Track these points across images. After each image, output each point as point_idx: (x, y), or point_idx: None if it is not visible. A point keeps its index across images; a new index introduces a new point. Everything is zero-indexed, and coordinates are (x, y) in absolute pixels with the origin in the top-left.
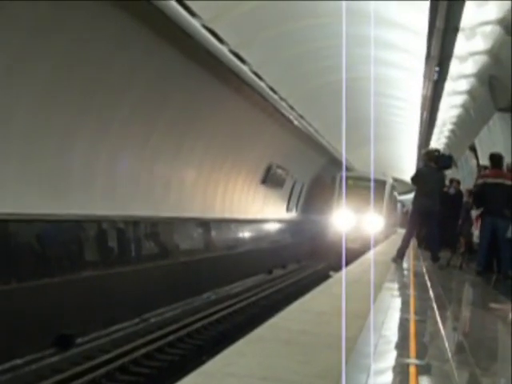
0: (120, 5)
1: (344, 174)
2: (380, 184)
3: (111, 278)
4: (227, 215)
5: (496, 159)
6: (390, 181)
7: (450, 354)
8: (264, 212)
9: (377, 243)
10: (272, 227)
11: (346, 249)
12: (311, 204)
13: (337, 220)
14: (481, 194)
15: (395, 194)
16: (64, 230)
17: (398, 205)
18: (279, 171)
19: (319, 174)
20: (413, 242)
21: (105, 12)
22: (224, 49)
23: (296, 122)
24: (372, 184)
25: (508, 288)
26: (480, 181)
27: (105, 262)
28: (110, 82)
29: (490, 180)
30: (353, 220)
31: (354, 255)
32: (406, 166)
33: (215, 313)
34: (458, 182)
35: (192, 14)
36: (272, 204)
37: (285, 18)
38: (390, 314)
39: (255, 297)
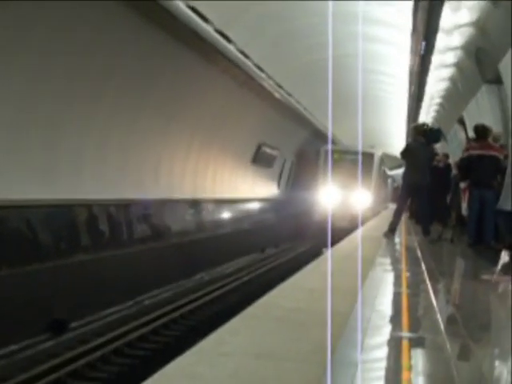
0: None
1: (329, 147)
2: (368, 157)
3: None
4: (210, 195)
5: (480, 130)
6: (378, 154)
7: (442, 327)
8: (249, 191)
9: (366, 220)
10: (254, 207)
11: (334, 227)
12: (297, 181)
13: (322, 197)
14: (466, 167)
15: (385, 167)
16: (54, 214)
17: (389, 180)
18: (268, 150)
19: (304, 148)
20: (405, 217)
21: None
22: (209, 28)
23: (281, 98)
24: (359, 157)
25: (491, 258)
26: (465, 153)
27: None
28: (94, 68)
29: (475, 152)
30: (340, 197)
31: (342, 234)
32: (396, 141)
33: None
34: (447, 156)
35: None
36: (259, 182)
37: None
38: (382, 289)
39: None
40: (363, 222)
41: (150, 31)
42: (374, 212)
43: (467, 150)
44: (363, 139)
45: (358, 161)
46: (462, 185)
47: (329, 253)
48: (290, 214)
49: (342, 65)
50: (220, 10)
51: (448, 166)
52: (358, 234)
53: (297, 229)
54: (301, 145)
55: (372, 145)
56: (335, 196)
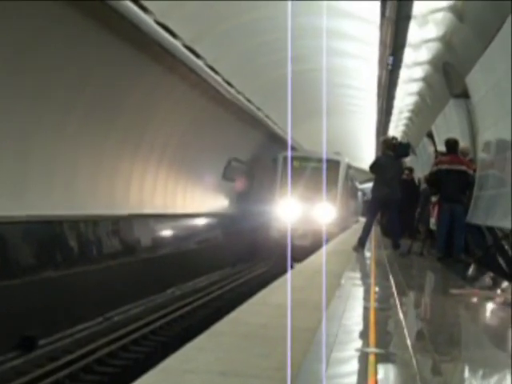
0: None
1: (289, 153)
2: (333, 165)
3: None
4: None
5: (451, 144)
6: (345, 161)
7: (409, 342)
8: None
9: (331, 238)
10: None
11: (294, 247)
12: (250, 193)
13: (280, 212)
14: (436, 181)
15: (352, 177)
16: (23, 231)
17: (358, 191)
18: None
19: (259, 155)
20: (374, 231)
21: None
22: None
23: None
24: (323, 165)
25: (460, 272)
26: (434, 168)
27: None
28: (65, 81)
29: (444, 166)
30: (300, 210)
31: (303, 254)
32: (365, 154)
33: None
34: (411, 170)
35: (144, 9)
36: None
37: (238, 11)
38: (350, 303)
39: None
40: (328, 240)
41: (119, 47)
42: (341, 228)
43: (436, 164)
44: (332, 151)
45: (321, 169)
46: (433, 199)
47: (288, 275)
48: (242, 230)
49: (310, 79)
50: (189, 25)
51: (412, 180)
52: (323, 251)
53: (251, 248)
54: (255, 150)
55: (337, 151)
56: (295, 210)
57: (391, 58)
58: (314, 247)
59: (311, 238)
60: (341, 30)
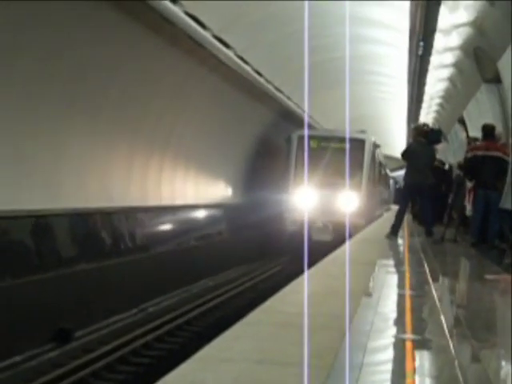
0: None
1: (306, 132)
2: (357, 145)
3: None
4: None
5: (488, 130)
6: (371, 140)
7: (446, 328)
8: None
9: (357, 231)
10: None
11: (313, 242)
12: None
13: (295, 201)
14: (471, 167)
15: (381, 159)
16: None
17: (388, 175)
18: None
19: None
20: (407, 218)
21: None
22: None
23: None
24: (346, 145)
25: (494, 257)
26: (470, 154)
27: None
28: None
29: (480, 153)
30: (319, 200)
31: (323, 250)
32: (397, 142)
33: None
34: (443, 163)
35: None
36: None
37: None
38: (385, 291)
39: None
40: (353, 234)
41: (149, 38)
42: (368, 218)
43: (472, 150)
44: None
45: (343, 150)
46: (469, 185)
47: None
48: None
49: (339, 67)
50: (218, 15)
51: (445, 166)
52: (346, 248)
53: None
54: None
55: (362, 130)
56: (313, 198)
57: (421, 44)
58: (336, 243)
59: (332, 232)
60: (370, 16)
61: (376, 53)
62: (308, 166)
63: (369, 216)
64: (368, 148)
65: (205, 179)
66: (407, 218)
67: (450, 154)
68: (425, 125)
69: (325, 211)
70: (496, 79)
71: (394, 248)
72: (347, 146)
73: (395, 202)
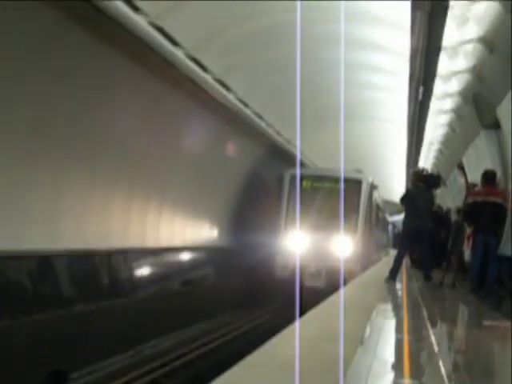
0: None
1: (298, 171)
2: (353, 185)
3: None
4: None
5: (489, 176)
6: (368, 180)
7: (444, 374)
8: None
9: (351, 277)
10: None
11: (304, 289)
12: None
13: (287, 244)
14: (471, 213)
15: (379, 201)
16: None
17: (386, 218)
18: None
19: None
20: (406, 262)
21: None
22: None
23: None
24: (341, 186)
25: (493, 303)
26: (470, 199)
27: None
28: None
29: (480, 198)
30: (311, 244)
31: (315, 298)
32: (396, 186)
33: None
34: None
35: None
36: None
37: (264, 47)
38: (383, 336)
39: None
40: (348, 280)
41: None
42: (364, 264)
43: (472, 195)
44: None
45: (337, 191)
46: (468, 230)
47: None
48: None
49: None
50: (219, 59)
51: (443, 212)
52: (340, 296)
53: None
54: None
55: (359, 169)
56: (305, 242)
57: (421, 90)
58: (329, 289)
59: (325, 278)
60: (370, 62)
61: (376, 98)
62: (300, 207)
63: (365, 262)
64: (365, 189)
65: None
66: (406, 262)
67: (448, 199)
68: (424, 170)
69: (318, 256)
70: (495, 125)
71: (393, 292)
72: (342, 186)
73: (394, 247)
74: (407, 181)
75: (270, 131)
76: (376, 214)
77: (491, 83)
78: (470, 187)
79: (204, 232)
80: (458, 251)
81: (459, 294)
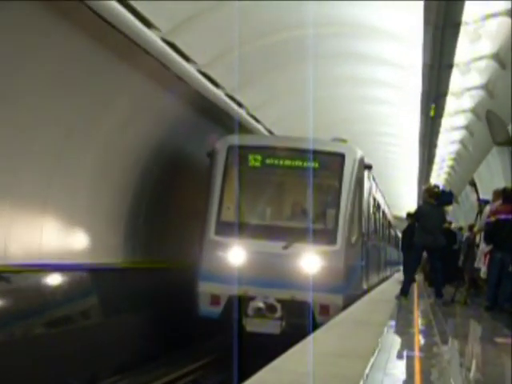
0: None
1: (237, 140)
2: (331, 162)
3: None
4: None
5: (508, 193)
6: (355, 155)
7: None
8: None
9: (328, 314)
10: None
11: (245, 337)
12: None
13: (218, 260)
14: (493, 231)
15: (379, 195)
16: None
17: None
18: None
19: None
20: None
21: None
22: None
23: None
24: (309, 163)
25: (505, 320)
26: (492, 218)
27: None
28: None
29: (503, 216)
30: (261, 259)
31: (264, 352)
32: (408, 203)
33: None
34: (450, 223)
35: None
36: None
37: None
38: (394, 353)
39: None
40: (324, 320)
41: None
42: (354, 291)
43: (494, 213)
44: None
45: (306, 172)
46: (485, 248)
47: (310, 339)
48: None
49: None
50: (230, 75)
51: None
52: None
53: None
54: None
55: (342, 138)
56: (249, 257)
57: (433, 106)
58: (290, 337)
59: (283, 318)
60: (381, 78)
61: (387, 114)
62: (244, 197)
63: (354, 288)
64: (350, 168)
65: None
66: (417, 278)
67: (460, 215)
68: (436, 186)
69: (271, 279)
70: (508, 142)
71: (404, 309)
72: (312, 164)
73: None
74: (419, 197)
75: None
76: (374, 212)
77: (504, 100)
78: (481, 204)
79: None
80: (470, 268)
81: (471, 311)
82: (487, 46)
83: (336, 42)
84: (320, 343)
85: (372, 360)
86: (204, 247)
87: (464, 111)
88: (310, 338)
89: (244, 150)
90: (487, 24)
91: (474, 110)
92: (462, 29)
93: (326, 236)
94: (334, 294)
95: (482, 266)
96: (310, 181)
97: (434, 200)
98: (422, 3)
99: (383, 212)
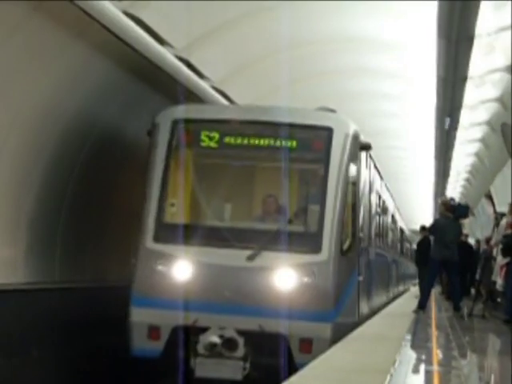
0: None
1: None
2: (316, 140)
3: None
4: None
5: None
6: (347, 130)
7: None
8: None
9: (311, 351)
10: None
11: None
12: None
13: (157, 274)
14: (510, 244)
15: (384, 189)
16: None
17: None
18: None
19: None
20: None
21: None
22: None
23: None
24: (284, 142)
25: None
26: (508, 231)
27: None
28: None
29: None
30: (216, 273)
31: None
32: (423, 216)
33: None
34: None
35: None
36: None
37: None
38: (412, 367)
39: None
40: (305, 359)
41: None
42: (351, 318)
43: (511, 226)
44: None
45: (280, 154)
46: (502, 261)
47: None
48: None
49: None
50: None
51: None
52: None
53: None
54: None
55: (329, 108)
56: (203, 274)
57: (448, 120)
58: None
59: (247, 358)
60: (394, 92)
61: (401, 128)
62: (194, 191)
63: (348, 313)
64: (340, 147)
65: None
66: (434, 292)
67: (477, 228)
68: (452, 199)
69: (230, 303)
70: None
71: (421, 323)
72: (287, 142)
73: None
74: (435, 211)
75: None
76: (378, 212)
77: None
78: (497, 217)
79: None
80: (487, 281)
81: (489, 325)
82: (501, 59)
83: (349, 56)
84: (336, 359)
85: (390, 375)
86: (139, 259)
87: (479, 124)
88: (327, 354)
89: (194, 126)
90: (501, 37)
91: (489, 123)
92: (476, 42)
93: (307, 241)
94: (320, 323)
95: (498, 278)
96: (285, 166)
97: (451, 213)
98: (435, 16)
99: (392, 216)
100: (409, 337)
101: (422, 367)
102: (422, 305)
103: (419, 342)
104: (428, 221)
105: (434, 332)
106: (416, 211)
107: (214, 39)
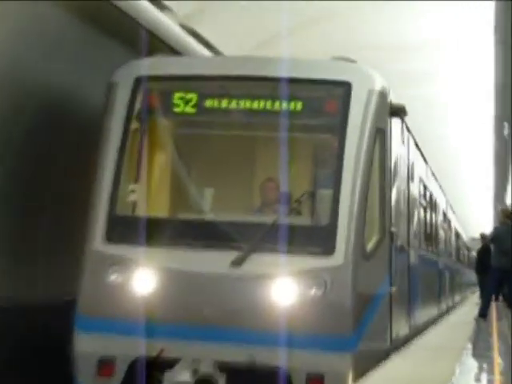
0: None
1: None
2: (329, 101)
3: None
4: None
5: None
6: (374, 86)
7: None
8: None
9: None
10: None
11: None
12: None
13: (109, 296)
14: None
15: (426, 169)
16: None
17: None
18: None
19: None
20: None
21: None
22: None
23: None
24: (284, 104)
25: None
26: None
27: None
28: None
29: None
30: (190, 291)
31: None
32: (482, 223)
33: None
34: None
35: None
36: None
37: None
38: (473, 377)
39: None
40: None
41: None
42: (374, 353)
43: None
44: None
45: (279, 121)
46: None
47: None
48: None
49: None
50: None
51: None
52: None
53: None
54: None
55: (345, 56)
56: (172, 286)
57: (507, 125)
58: None
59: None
60: (453, 99)
61: (460, 134)
62: (163, 173)
63: (375, 338)
64: (361, 109)
65: None
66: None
67: None
68: None
69: (208, 325)
70: None
71: (482, 331)
72: (289, 105)
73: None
74: (495, 218)
75: None
76: (421, 204)
77: None
78: None
79: None
80: None
81: None
82: None
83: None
84: (395, 370)
85: None
86: (85, 266)
87: None
88: (386, 364)
89: (164, 84)
90: None
91: None
92: None
93: (315, 239)
94: (335, 353)
95: None
96: (285, 137)
97: (511, 221)
98: (492, 22)
99: (444, 214)
100: (469, 346)
101: (484, 377)
102: (483, 313)
103: (480, 351)
104: (487, 229)
105: (496, 341)
106: (474, 218)
107: None
